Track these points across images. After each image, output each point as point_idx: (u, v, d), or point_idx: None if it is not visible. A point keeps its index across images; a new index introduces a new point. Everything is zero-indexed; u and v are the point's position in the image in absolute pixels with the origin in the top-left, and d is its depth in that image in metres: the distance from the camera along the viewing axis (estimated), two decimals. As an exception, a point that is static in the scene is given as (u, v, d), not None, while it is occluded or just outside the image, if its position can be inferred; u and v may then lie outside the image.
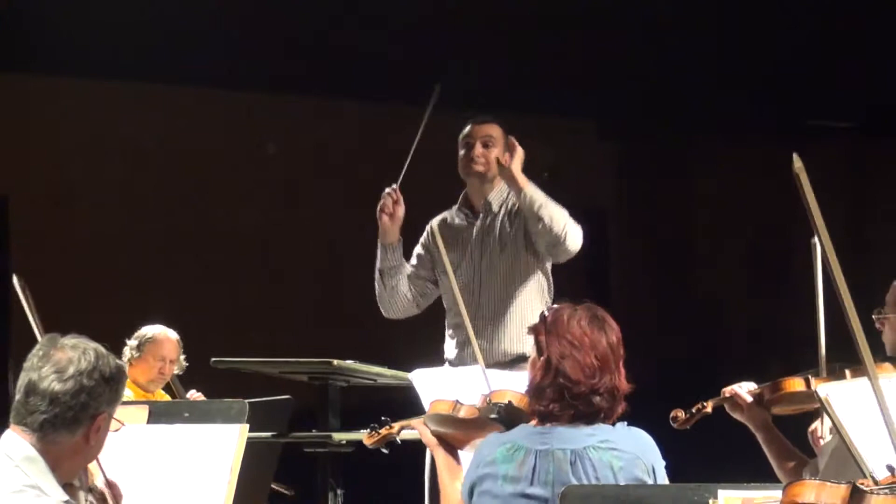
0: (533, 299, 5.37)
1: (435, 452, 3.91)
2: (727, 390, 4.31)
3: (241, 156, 10.25)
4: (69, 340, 3.20)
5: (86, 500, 3.25)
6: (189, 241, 10.05)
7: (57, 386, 3.08)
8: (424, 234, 5.68)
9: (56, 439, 3.08)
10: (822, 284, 4.29)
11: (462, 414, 3.84)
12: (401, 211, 5.55)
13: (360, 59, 9.38)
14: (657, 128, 10.76)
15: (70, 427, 3.09)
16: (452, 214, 5.62)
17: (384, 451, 4.19)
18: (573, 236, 5.31)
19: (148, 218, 9.94)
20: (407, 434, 4.80)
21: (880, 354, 4.10)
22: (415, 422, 4.02)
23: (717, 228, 11.35)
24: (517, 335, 5.28)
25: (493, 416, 3.68)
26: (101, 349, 3.22)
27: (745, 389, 4.28)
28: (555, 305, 3.69)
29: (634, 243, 11.34)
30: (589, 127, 11.01)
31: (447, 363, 5.37)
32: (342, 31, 9.21)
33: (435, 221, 5.63)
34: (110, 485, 3.34)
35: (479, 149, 5.46)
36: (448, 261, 4.64)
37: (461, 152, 5.53)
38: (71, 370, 3.11)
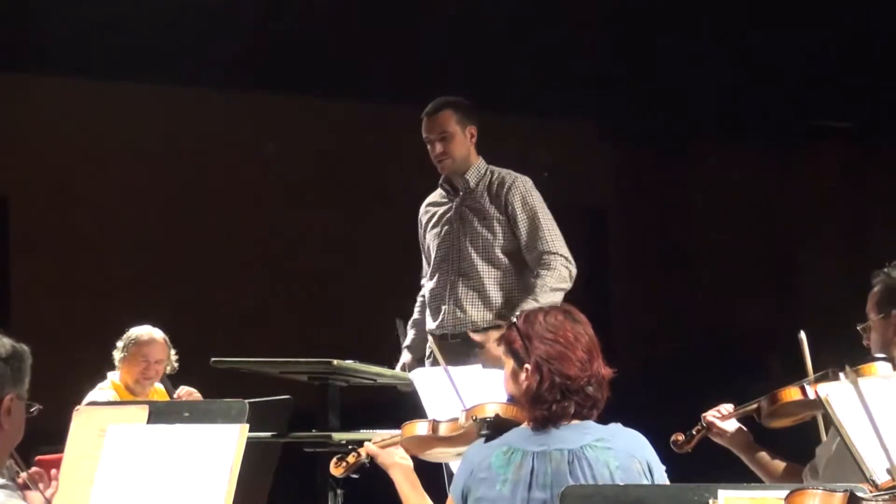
0: (513, 271, 5.46)
1: (392, 472, 3.90)
2: (703, 418, 4.31)
3: (241, 156, 10.25)
4: None
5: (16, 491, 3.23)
6: (189, 241, 10.05)
7: None
8: (418, 224, 5.79)
9: None
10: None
11: (443, 432, 3.83)
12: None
13: (360, 60, 9.38)
14: (657, 128, 10.77)
15: None
16: (436, 193, 5.73)
17: (354, 476, 4.16)
18: (566, 287, 5.38)
19: (148, 218, 9.94)
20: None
21: (868, 357, 4.10)
22: (382, 442, 4.01)
23: (717, 228, 11.34)
24: (496, 303, 5.39)
25: (484, 432, 3.66)
26: None
27: (723, 412, 4.29)
28: (516, 313, 3.69)
29: (634, 243, 11.33)
30: (589, 127, 11.01)
31: (429, 335, 5.45)
32: (342, 31, 9.21)
33: (421, 209, 5.77)
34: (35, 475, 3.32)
35: (438, 148, 5.56)
36: None
37: (427, 146, 5.62)
38: None
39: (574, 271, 5.45)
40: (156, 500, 3.60)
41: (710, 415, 4.30)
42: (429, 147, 5.64)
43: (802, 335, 4.09)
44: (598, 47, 9.42)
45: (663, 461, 3.56)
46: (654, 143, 11.03)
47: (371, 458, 4.07)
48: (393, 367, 5.32)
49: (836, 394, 3.43)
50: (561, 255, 5.43)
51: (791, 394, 4.07)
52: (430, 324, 5.60)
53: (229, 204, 10.20)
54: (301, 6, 8.91)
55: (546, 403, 3.48)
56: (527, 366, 3.50)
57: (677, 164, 11.37)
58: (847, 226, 11.02)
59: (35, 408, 3.27)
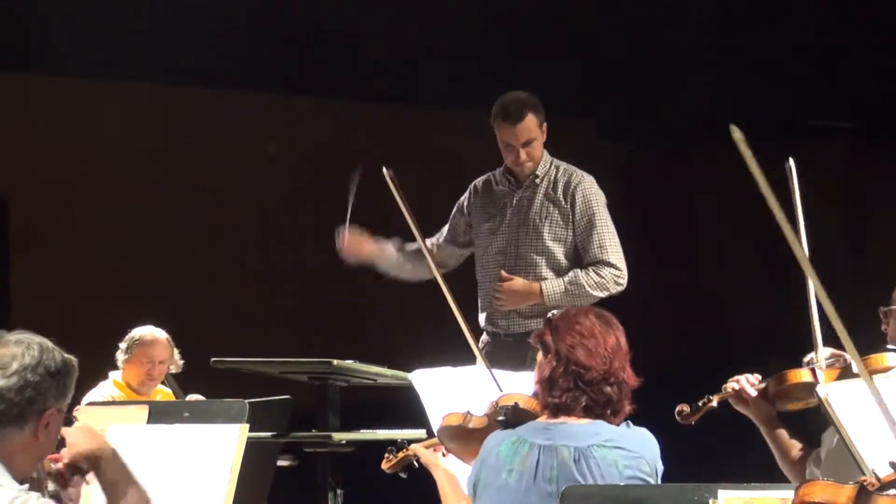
0: (566, 270, 5.42)
1: (434, 472, 3.91)
2: (730, 384, 4.28)
3: (241, 156, 10.25)
4: (13, 336, 3.13)
5: (45, 488, 3.22)
6: (189, 241, 10.05)
7: (0, 382, 3.04)
8: (466, 193, 5.72)
9: (4, 436, 3.05)
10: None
11: (471, 424, 3.83)
12: (354, 244, 5.66)
13: (360, 59, 9.39)
14: (657, 127, 10.77)
15: (17, 423, 3.05)
16: (497, 177, 5.64)
17: (402, 475, 4.17)
18: (612, 291, 5.40)
19: (148, 218, 9.94)
20: (408, 434, 4.81)
21: (882, 346, 4.09)
22: (426, 443, 4.03)
23: (717, 228, 11.35)
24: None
25: (500, 418, 3.67)
26: (47, 343, 3.14)
27: (749, 382, 4.25)
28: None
29: (634, 243, 11.32)
30: (589, 127, 11.01)
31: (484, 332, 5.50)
32: (343, 31, 9.22)
33: (479, 179, 5.70)
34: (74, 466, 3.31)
35: (523, 155, 5.47)
36: (409, 216, 4.67)
37: (503, 149, 5.52)
38: (15, 366, 3.06)
39: (621, 284, 5.42)
40: (156, 500, 3.61)
41: (741, 379, 4.24)
42: (506, 151, 5.52)
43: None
44: (599, 46, 9.42)
45: (669, 452, 3.56)
46: (654, 141, 11.03)
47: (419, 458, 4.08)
48: (393, 367, 5.30)
49: (836, 394, 3.43)
50: (613, 266, 5.42)
51: (800, 375, 4.05)
52: (482, 320, 5.58)
53: (229, 203, 10.20)
54: (301, 7, 8.91)
55: (559, 390, 3.50)
56: (550, 354, 3.54)
57: (677, 162, 11.38)
58: (847, 224, 11.02)
59: (72, 421, 3.25)
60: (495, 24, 9.12)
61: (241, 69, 9.49)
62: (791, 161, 4.26)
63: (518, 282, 5.38)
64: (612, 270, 5.41)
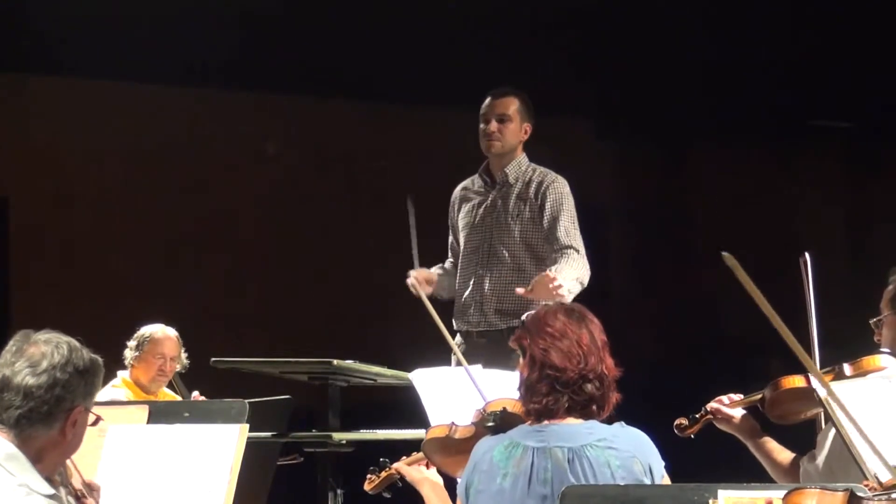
0: (536, 270, 5.46)
1: (421, 488, 3.92)
2: (709, 406, 4.31)
3: (241, 156, 10.25)
4: (42, 335, 3.21)
5: (66, 496, 3.26)
6: (189, 241, 10.04)
7: (31, 380, 3.10)
8: (450, 208, 5.80)
9: (33, 434, 3.11)
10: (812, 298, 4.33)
11: (458, 435, 3.84)
12: (426, 285, 5.63)
13: (361, 60, 9.39)
14: (657, 128, 10.76)
15: (46, 421, 3.12)
16: (474, 180, 5.73)
17: (386, 495, 4.16)
18: (585, 282, 5.42)
19: (148, 218, 9.94)
20: (408, 434, 4.82)
21: (875, 348, 4.09)
22: (409, 459, 4.02)
23: (717, 228, 11.33)
24: (524, 300, 5.37)
25: (489, 424, 3.68)
26: (75, 343, 3.22)
27: (727, 401, 4.29)
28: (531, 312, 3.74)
29: (634, 242, 11.33)
30: (588, 127, 11.01)
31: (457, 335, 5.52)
32: (342, 31, 9.22)
33: (456, 190, 5.77)
34: (89, 486, 3.35)
35: (493, 125, 5.56)
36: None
37: (480, 127, 5.63)
38: (44, 364, 3.13)
39: (589, 271, 5.47)
40: (156, 499, 3.61)
41: (716, 402, 4.29)
42: (482, 126, 5.64)
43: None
44: (597, 45, 9.42)
45: (668, 452, 3.56)
46: (654, 143, 11.03)
47: (402, 477, 4.07)
48: (393, 367, 5.31)
49: (836, 394, 3.43)
50: (576, 250, 5.46)
51: (794, 381, 4.07)
52: (455, 320, 5.61)
53: (229, 203, 10.20)
54: (301, 6, 8.91)
55: (538, 395, 3.51)
56: (526, 358, 3.56)
57: (677, 163, 11.37)
58: (849, 226, 11.02)
59: (98, 420, 3.33)
60: (494, 24, 9.12)
61: (241, 69, 9.48)
62: (807, 255, 4.29)
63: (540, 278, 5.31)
64: (581, 257, 5.46)
